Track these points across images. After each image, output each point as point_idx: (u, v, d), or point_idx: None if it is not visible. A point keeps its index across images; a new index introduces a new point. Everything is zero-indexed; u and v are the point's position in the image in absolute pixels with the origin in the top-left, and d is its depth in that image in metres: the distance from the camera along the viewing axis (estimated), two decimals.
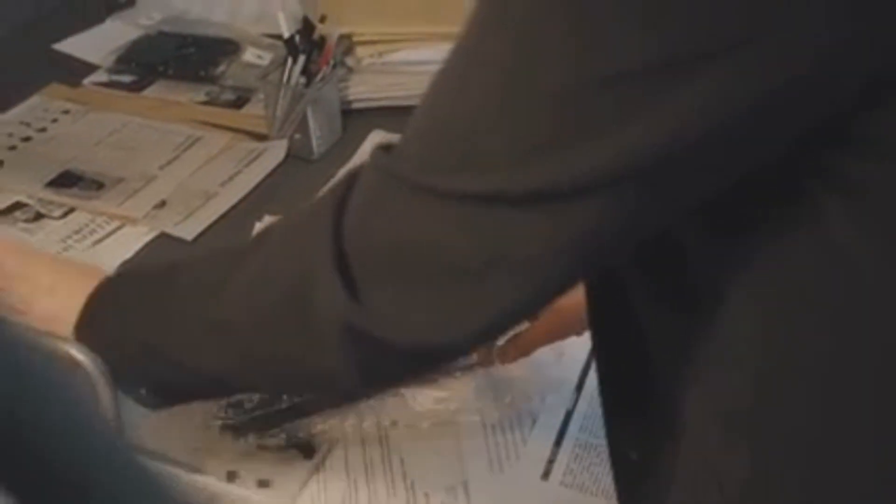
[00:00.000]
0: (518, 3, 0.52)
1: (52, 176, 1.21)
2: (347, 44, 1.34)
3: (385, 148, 0.59)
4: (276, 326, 0.64)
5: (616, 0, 0.48)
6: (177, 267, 0.72)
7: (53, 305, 0.73)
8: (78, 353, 0.67)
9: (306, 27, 1.27)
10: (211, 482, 0.71)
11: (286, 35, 1.25)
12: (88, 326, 0.71)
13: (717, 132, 0.49)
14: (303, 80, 1.24)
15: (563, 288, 0.59)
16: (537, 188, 0.52)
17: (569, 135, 0.51)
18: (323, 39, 1.27)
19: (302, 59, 1.23)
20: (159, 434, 0.80)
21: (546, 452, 0.89)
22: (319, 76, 1.25)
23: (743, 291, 0.56)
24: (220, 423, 0.89)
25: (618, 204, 0.52)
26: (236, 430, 0.89)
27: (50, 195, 1.18)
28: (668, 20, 0.47)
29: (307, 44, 1.25)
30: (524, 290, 0.56)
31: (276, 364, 0.67)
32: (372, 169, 0.59)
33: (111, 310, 0.72)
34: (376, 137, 1.31)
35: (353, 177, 0.61)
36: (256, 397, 0.91)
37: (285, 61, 1.25)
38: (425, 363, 0.69)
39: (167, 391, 0.74)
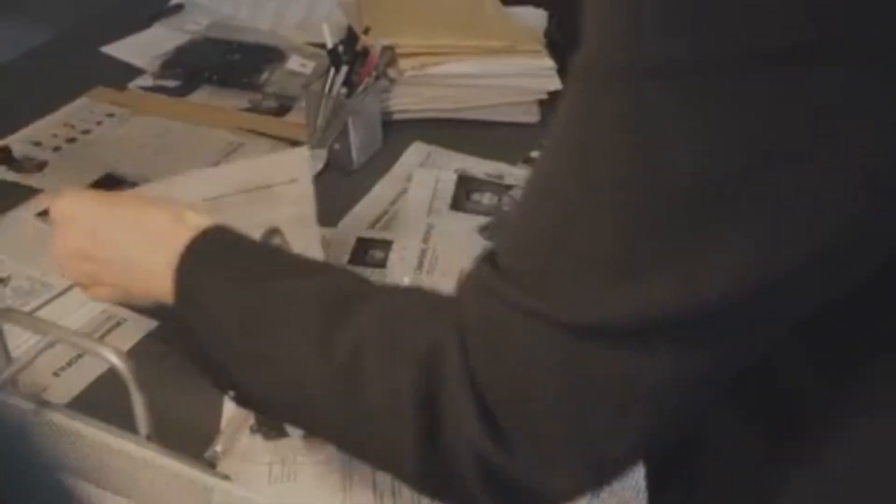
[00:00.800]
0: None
1: (94, 178, 1.23)
2: (390, 55, 1.34)
3: (490, 260, 0.52)
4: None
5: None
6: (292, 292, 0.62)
7: (149, 270, 0.67)
8: (112, 357, 0.67)
9: (350, 38, 1.28)
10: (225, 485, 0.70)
11: (330, 45, 1.26)
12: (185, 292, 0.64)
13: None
14: (344, 90, 1.25)
15: (690, 417, 0.53)
16: (656, 316, 0.46)
17: (695, 257, 0.45)
18: (366, 51, 1.27)
19: (344, 69, 1.24)
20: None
21: None
22: (361, 87, 1.25)
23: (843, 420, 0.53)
24: (253, 423, 0.90)
25: (752, 317, 0.47)
26: (268, 432, 0.90)
27: None
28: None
29: (350, 54, 1.25)
30: (655, 425, 0.50)
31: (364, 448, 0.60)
32: (481, 291, 0.52)
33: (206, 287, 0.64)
34: (417, 149, 1.31)
35: (464, 283, 0.54)
36: None
37: (328, 71, 1.26)
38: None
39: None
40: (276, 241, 0.79)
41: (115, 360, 0.66)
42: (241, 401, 0.66)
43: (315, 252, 0.88)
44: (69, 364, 0.97)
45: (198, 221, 0.68)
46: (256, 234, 0.74)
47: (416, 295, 0.59)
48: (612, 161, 0.46)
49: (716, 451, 0.59)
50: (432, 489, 0.57)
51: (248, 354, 0.61)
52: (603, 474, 0.54)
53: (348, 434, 0.59)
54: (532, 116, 1.37)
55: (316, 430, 0.64)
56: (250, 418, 0.91)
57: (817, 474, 0.54)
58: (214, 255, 0.65)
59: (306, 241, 0.86)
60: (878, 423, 0.52)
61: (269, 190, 0.86)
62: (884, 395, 0.52)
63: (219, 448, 0.88)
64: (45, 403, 0.72)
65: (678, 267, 0.45)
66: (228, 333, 0.62)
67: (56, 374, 0.96)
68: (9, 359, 0.77)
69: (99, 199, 0.77)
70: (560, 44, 1.41)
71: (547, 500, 0.53)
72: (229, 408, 0.92)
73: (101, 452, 0.72)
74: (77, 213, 0.75)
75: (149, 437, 0.69)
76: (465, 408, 0.51)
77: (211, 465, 0.86)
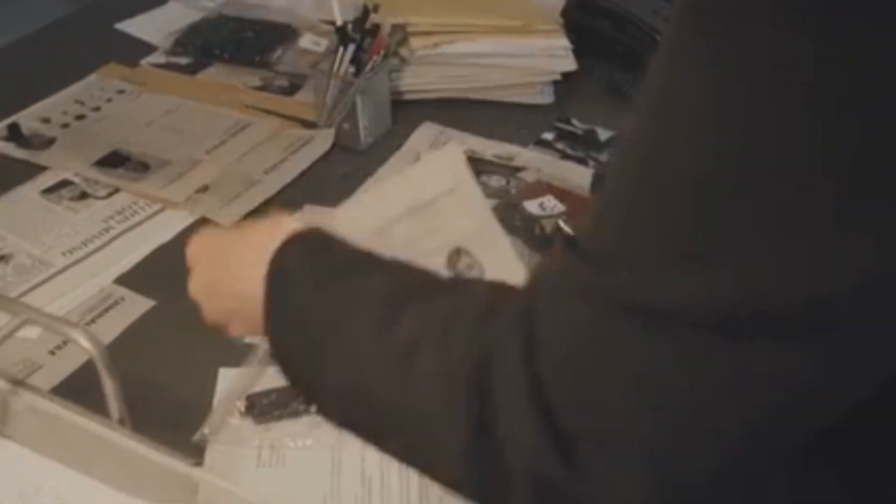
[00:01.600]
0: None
1: (101, 155, 1.22)
2: (402, 34, 1.32)
3: (572, 245, 0.48)
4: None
5: None
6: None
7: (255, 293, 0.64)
8: (82, 340, 0.66)
9: (363, 15, 1.26)
10: (206, 475, 0.69)
11: (339, 23, 1.24)
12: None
13: None
14: (352, 69, 1.23)
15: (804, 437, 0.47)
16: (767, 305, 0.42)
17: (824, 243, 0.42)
18: (376, 29, 1.25)
19: (351, 47, 1.21)
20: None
21: None
22: (369, 66, 1.23)
23: None
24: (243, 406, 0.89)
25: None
26: (258, 415, 0.89)
27: (96, 174, 1.19)
28: None
29: (359, 32, 1.23)
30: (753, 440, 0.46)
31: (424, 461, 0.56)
32: (563, 275, 0.48)
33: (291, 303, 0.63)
34: (427, 130, 1.29)
35: (540, 271, 0.51)
36: (274, 395, 0.91)
37: (337, 49, 1.24)
38: None
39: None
40: (464, 262, 0.76)
41: (85, 343, 0.65)
42: (323, 412, 0.63)
43: (511, 265, 0.82)
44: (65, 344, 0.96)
45: (291, 227, 0.66)
46: (440, 260, 0.73)
47: (481, 288, 0.56)
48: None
49: None
50: (480, 499, 0.53)
51: (320, 356, 0.59)
52: (682, 498, 0.47)
53: (403, 437, 0.56)
54: (546, 98, 1.34)
55: (377, 438, 0.59)
56: (241, 401, 0.90)
57: None
58: (299, 259, 0.63)
59: (498, 253, 0.81)
60: None
61: (434, 206, 0.81)
62: None
63: (207, 430, 0.87)
64: (19, 384, 0.71)
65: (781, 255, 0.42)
66: (307, 337, 0.60)
67: (52, 353, 0.95)
68: None
69: (223, 234, 0.77)
70: (581, 23, 1.38)
71: None
72: (220, 391, 0.92)
73: (79, 436, 0.71)
74: (202, 251, 0.74)
75: (121, 421, 0.68)
76: (523, 416, 0.47)
77: (198, 448, 0.86)
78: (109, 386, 0.65)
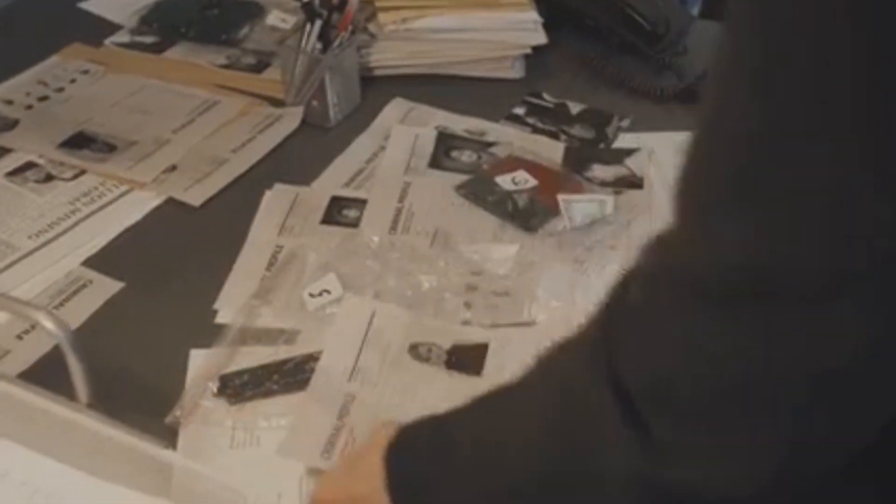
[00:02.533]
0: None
1: (66, 137, 1.20)
2: (370, 9, 1.31)
3: (663, 244, 0.49)
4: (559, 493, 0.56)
5: None
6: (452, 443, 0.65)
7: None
8: (50, 324, 0.65)
9: None
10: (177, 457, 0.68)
11: None
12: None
13: None
14: (320, 45, 1.21)
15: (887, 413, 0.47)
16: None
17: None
18: (343, 4, 1.23)
19: (318, 23, 1.20)
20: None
21: None
22: (337, 42, 1.22)
23: None
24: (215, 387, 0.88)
25: None
26: (231, 396, 0.88)
27: (61, 156, 1.17)
28: None
29: (326, 8, 1.21)
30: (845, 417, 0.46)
31: None
32: (648, 277, 0.49)
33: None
34: (397, 106, 1.28)
35: (622, 286, 0.51)
36: (246, 375, 0.90)
37: (304, 25, 1.22)
38: None
39: None
40: None
41: (50, 326, 0.64)
42: None
43: None
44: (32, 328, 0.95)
45: (387, 433, 0.69)
46: None
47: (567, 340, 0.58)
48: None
49: None
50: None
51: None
52: (782, 471, 0.47)
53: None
54: (516, 72, 1.33)
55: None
56: (213, 382, 0.89)
57: None
58: (407, 453, 0.67)
59: None
60: None
61: None
62: None
63: (179, 412, 0.86)
64: None
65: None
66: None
67: (19, 338, 0.93)
68: None
69: (339, 469, 0.77)
70: None
71: None
72: (192, 371, 0.90)
73: (48, 422, 0.70)
74: (325, 494, 0.76)
75: (90, 405, 0.67)
76: (608, 412, 0.49)
77: (171, 430, 0.85)
78: (77, 369, 0.64)
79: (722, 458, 0.47)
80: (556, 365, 0.58)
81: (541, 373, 0.60)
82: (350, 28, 1.23)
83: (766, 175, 0.43)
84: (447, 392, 0.88)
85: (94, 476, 0.71)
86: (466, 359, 0.91)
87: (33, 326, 0.93)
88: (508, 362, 0.91)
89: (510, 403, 0.62)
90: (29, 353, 0.91)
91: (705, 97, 0.47)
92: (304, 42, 1.21)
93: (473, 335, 0.94)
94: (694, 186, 0.46)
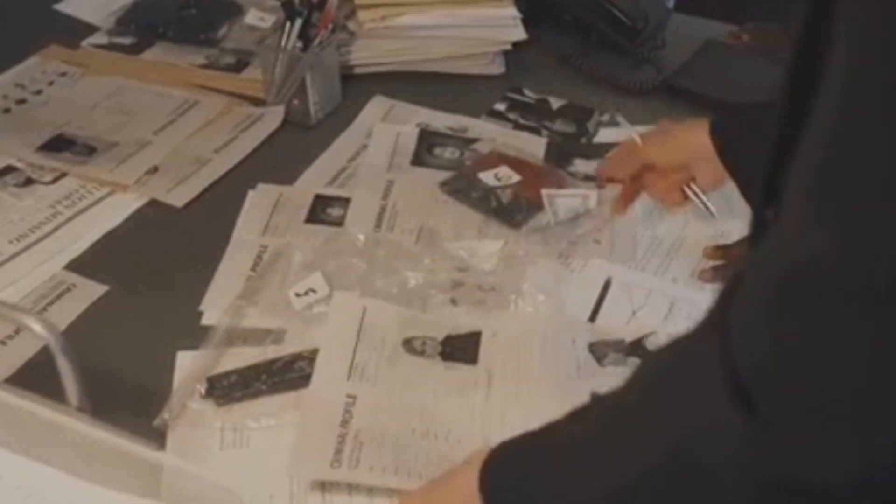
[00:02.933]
0: None
1: (45, 140, 1.19)
2: (350, 7, 1.31)
3: (787, 244, 0.49)
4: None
5: None
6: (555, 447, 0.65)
7: None
8: (38, 327, 0.64)
9: None
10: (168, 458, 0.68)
11: None
12: None
13: None
14: (300, 44, 1.21)
15: None
16: None
17: None
18: (323, 2, 1.23)
19: (298, 22, 1.20)
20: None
21: None
22: (317, 40, 1.22)
23: None
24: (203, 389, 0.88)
25: None
26: (219, 397, 0.88)
27: (41, 159, 1.16)
28: None
29: (306, 6, 1.21)
30: None
31: None
32: (774, 277, 0.50)
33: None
34: (378, 104, 1.28)
35: (734, 286, 0.52)
36: (234, 376, 0.89)
37: (284, 24, 1.22)
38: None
39: None
40: None
41: (39, 329, 0.63)
42: None
43: None
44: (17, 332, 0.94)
45: (479, 455, 0.68)
46: None
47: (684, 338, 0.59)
48: None
49: None
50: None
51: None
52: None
53: None
54: (497, 68, 1.33)
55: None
56: (201, 384, 0.89)
57: None
58: (505, 468, 0.67)
59: None
60: None
61: None
62: None
63: (167, 415, 0.86)
64: None
65: None
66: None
67: (3, 343, 0.93)
68: None
69: (422, 491, 0.76)
70: None
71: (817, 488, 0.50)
72: (179, 374, 0.90)
73: (37, 426, 0.70)
74: None
75: (80, 409, 0.67)
76: (723, 405, 0.50)
77: (159, 433, 0.85)
78: (67, 371, 0.64)
79: (833, 447, 0.48)
80: (668, 363, 0.59)
81: (650, 374, 0.60)
82: (330, 26, 1.23)
83: None
84: (447, 384, 0.89)
85: (84, 480, 0.71)
86: (461, 348, 0.92)
87: (17, 331, 0.93)
88: (502, 349, 0.92)
89: (616, 409, 0.62)
90: (14, 357, 0.90)
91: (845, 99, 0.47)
92: (284, 41, 1.21)
93: (465, 324, 0.94)
94: (833, 190, 0.47)
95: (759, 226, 0.64)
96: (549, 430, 0.65)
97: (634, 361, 0.90)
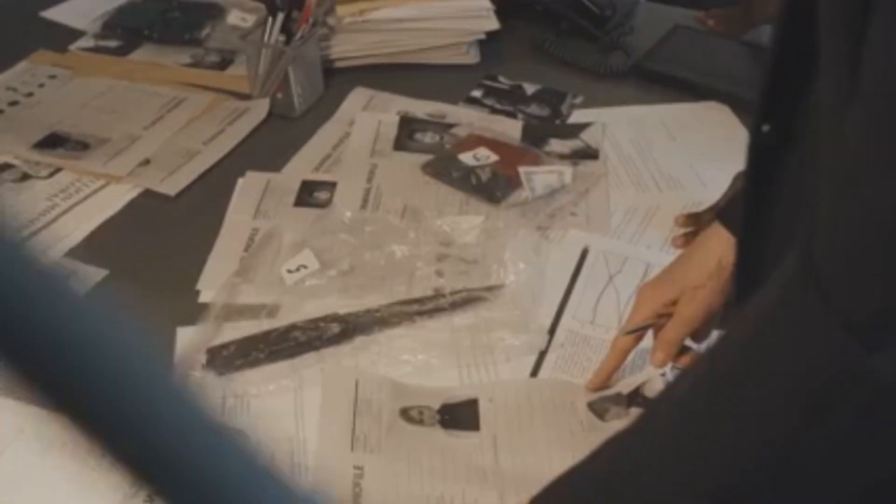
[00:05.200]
0: None
1: (39, 138, 1.23)
2: (329, 3, 1.35)
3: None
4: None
5: None
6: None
7: None
8: None
9: None
10: None
11: None
12: None
13: None
14: (282, 38, 1.26)
15: None
16: None
17: None
18: None
19: (280, 17, 1.24)
20: None
21: None
22: (299, 35, 1.26)
23: None
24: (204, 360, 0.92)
25: None
26: (220, 367, 0.92)
27: (36, 156, 1.20)
28: None
29: (286, 2, 1.26)
30: None
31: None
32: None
33: None
34: (359, 94, 1.33)
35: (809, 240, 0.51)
36: (233, 346, 0.94)
37: (266, 20, 1.27)
38: None
39: None
40: None
41: None
42: None
43: None
44: None
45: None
46: None
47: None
48: None
49: None
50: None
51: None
52: None
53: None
54: (472, 58, 1.38)
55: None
56: (202, 354, 0.93)
57: None
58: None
59: None
60: None
61: None
62: None
63: None
64: None
65: None
66: None
67: None
68: None
69: None
70: None
71: None
72: (180, 344, 0.94)
73: None
74: None
75: None
76: (839, 342, 0.49)
77: None
78: None
79: None
80: (762, 334, 0.54)
81: (742, 355, 0.55)
82: (311, 21, 1.28)
83: None
84: (453, 451, 0.87)
85: None
86: (460, 416, 0.89)
87: None
88: (502, 414, 0.89)
89: (700, 395, 0.57)
90: None
91: None
92: (267, 36, 1.26)
93: (460, 393, 0.91)
94: None
95: (756, 143, 0.66)
96: (589, 462, 0.62)
97: (636, 411, 0.88)
